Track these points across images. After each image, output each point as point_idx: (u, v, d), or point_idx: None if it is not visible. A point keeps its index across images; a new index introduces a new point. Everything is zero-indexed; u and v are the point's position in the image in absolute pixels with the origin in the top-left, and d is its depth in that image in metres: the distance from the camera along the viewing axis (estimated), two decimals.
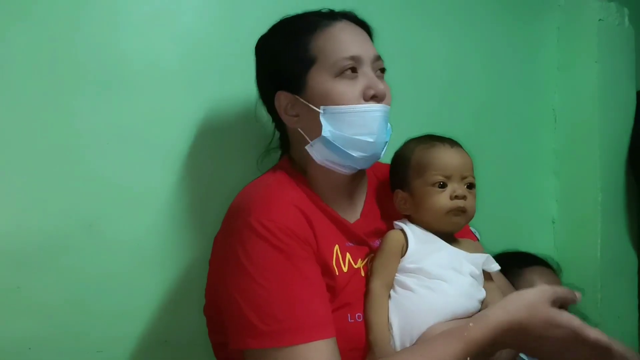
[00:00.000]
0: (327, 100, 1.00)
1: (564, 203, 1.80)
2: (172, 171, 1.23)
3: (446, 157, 1.05)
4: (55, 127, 1.14)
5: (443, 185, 1.03)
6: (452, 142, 1.08)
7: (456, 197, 1.03)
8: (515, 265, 1.44)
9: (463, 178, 1.04)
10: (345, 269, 1.00)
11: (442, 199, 1.03)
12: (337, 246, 1.01)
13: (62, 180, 1.14)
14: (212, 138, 1.27)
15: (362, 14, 1.11)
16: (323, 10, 1.09)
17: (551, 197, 1.81)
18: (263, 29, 1.11)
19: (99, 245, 1.16)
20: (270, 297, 0.90)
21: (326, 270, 0.98)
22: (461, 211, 1.03)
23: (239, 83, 1.25)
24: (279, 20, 1.10)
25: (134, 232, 1.20)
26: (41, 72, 1.12)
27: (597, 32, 1.71)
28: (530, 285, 1.37)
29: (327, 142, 1.01)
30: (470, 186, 1.06)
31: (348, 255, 1.02)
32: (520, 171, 1.76)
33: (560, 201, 1.80)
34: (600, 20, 1.71)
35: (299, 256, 0.93)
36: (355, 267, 1.02)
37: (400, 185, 1.09)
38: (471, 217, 1.06)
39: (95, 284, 1.16)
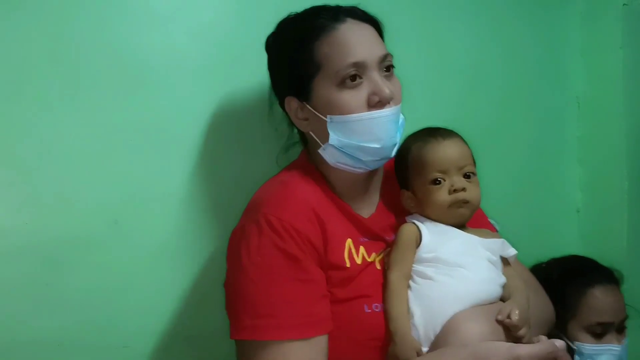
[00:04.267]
0: (332, 109, 1.00)
1: (588, 192, 1.76)
2: (194, 168, 1.24)
3: (439, 152, 1.05)
4: (78, 126, 1.15)
5: (441, 181, 1.04)
6: (445, 134, 1.07)
7: (455, 190, 1.03)
8: (578, 283, 1.38)
9: (460, 169, 1.05)
10: (359, 262, 1.02)
11: (442, 195, 1.04)
12: (349, 240, 1.02)
13: (86, 178, 1.16)
14: (233, 134, 1.28)
15: (380, 3, 1.10)
16: (328, 7, 1.06)
17: (575, 185, 1.78)
18: None
19: (124, 242, 1.18)
20: (257, 292, 0.94)
21: (336, 265, 0.99)
22: (463, 202, 1.04)
23: (259, 78, 1.24)
24: (285, 16, 1.08)
25: (158, 228, 1.21)
26: (61, 70, 1.14)
27: (622, 17, 1.66)
28: (594, 307, 1.33)
29: (336, 149, 1.01)
30: (469, 175, 1.05)
31: (362, 248, 1.03)
32: (543, 160, 1.74)
33: (585, 190, 1.77)
34: (624, 4, 1.66)
35: (297, 257, 0.95)
36: (369, 260, 1.03)
37: (405, 184, 1.10)
38: (477, 206, 1.06)
39: (120, 280, 1.18)
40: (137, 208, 1.20)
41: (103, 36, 1.17)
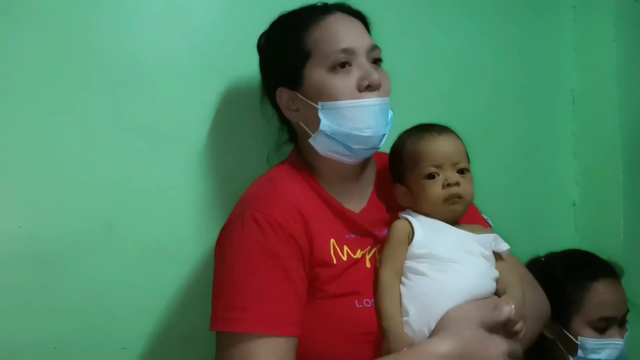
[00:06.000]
0: (323, 94, 1.02)
1: (584, 185, 1.77)
2: (187, 169, 1.25)
3: (434, 147, 1.06)
4: (70, 129, 1.15)
5: (435, 176, 1.05)
6: (440, 130, 1.08)
7: (448, 185, 1.04)
8: (581, 278, 1.37)
9: (455, 164, 1.05)
10: (344, 259, 1.02)
11: (436, 189, 1.04)
12: (333, 240, 1.02)
13: (80, 181, 1.16)
14: (224, 134, 1.28)
15: (372, 1, 1.10)
16: (318, 4, 1.10)
17: (571, 179, 1.78)
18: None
19: (119, 244, 1.18)
20: (234, 285, 0.95)
21: (322, 261, 1.00)
22: (457, 197, 1.04)
23: (250, 78, 1.25)
24: (277, 16, 1.11)
25: (153, 230, 1.21)
26: (53, 73, 1.14)
27: (615, 9, 1.66)
28: (598, 302, 1.33)
29: (327, 136, 1.02)
30: (463, 171, 1.06)
31: (346, 247, 1.03)
32: (539, 154, 1.74)
33: (581, 184, 1.77)
34: None
35: (277, 254, 0.96)
36: (354, 257, 1.03)
37: (399, 179, 1.10)
38: (470, 202, 1.07)
39: (116, 282, 1.18)
40: (131, 210, 1.20)
41: (95, 38, 1.17)
